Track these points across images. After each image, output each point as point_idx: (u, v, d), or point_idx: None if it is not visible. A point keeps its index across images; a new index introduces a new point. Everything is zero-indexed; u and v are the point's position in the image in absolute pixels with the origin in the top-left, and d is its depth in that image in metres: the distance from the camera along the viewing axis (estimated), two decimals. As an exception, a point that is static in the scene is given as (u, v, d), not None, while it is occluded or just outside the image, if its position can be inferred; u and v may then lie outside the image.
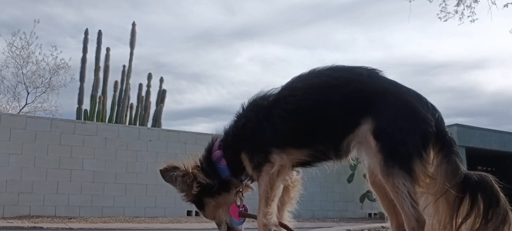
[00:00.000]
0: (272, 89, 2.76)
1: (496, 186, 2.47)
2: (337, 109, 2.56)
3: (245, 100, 2.83)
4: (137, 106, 16.94)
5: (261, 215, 2.62)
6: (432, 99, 2.60)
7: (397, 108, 2.49)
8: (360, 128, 2.49)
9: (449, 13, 12.25)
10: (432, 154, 2.51)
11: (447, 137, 2.54)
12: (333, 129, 2.58)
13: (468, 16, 12.18)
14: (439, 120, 2.54)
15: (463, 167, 2.50)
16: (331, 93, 2.59)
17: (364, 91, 2.53)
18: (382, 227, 4.69)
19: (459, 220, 2.43)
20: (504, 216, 2.41)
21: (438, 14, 12.40)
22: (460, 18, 12.19)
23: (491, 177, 2.50)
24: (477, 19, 12.17)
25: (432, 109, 2.56)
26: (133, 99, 17.01)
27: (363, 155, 2.62)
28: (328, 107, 2.56)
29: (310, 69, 2.73)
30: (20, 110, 23.92)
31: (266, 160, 2.60)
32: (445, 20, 12.34)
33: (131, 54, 17.04)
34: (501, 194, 2.46)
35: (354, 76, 2.60)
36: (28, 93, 24.28)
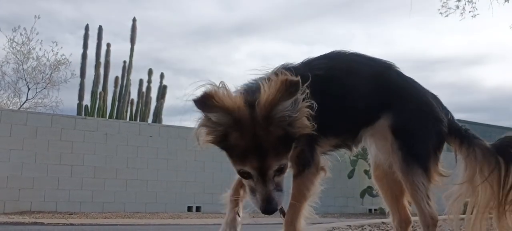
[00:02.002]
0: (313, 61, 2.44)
1: None
2: (369, 99, 2.50)
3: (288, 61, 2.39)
4: (138, 102, 16.92)
5: (293, 214, 2.40)
6: (432, 95, 2.63)
7: (417, 107, 2.52)
8: (379, 121, 2.51)
9: (450, 8, 12.23)
10: (453, 150, 2.60)
11: (462, 130, 2.61)
12: (363, 118, 2.53)
13: (470, 11, 12.16)
14: (451, 120, 2.60)
15: (489, 144, 2.57)
16: (366, 82, 2.51)
17: (390, 86, 2.53)
18: (383, 222, 4.70)
19: (507, 189, 2.48)
20: None
21: (439, 10, 12.39)
22: (462, 13, 12.17)
23: None
24: (478, 14, 12.15)
25: (445, 110, 2.62)
26: (134, 95, 16.99)
27: (372, 148, 2.65)
28: (364, 96, 2.50)
29: (337, 51, 2.56)
30: (21, 106, 23.93)
31: (311, 158, 2.36)
32: (446, 16, 12.32)
33: (132, 50, 17.01)
34: None
35: (385, 68, 2.58)
36: (29, 89, 24.30)
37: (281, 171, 2.03)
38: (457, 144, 2.58)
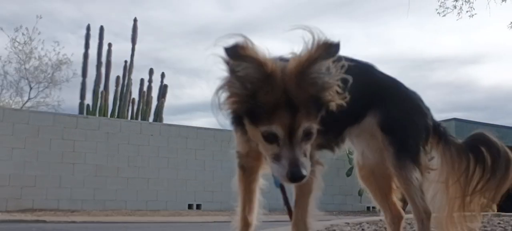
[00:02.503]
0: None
1: (492, 137, 2.63)
2: (354, 98, 2.32)
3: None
4: (139, 101, 17.02)
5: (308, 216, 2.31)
6: (429, 94, 2.75)
7: (403, 103, 2.55)
8: (365, 119, 2.51)
9: (447, 8, 12.30)
10: (430, 146, 2.62)
11: (441, 127, 2.66)
12: (349, 117, 2.44)
13: (467, 11, 12.23)
14: (431, 116, 2.65)
15: (461, 141, 2.65)
16: (355, 81, 2.37)
17: (374, 84, 2.53)
18: (381, 220, 4.79)
19: (473, 185, 2.56)
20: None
21: (437, 9, 12.45)
22: (459, 13, 12.25)
23: (483, 132, 2.66)
24: (475, 14, 12.22)
25: (426, 106, 2.66)
26: (135, 94, 17.11)
27: (359, 147, 2.68)
28: (354, 97, 2.36)
29: None
30: (23, 105, 24.06)
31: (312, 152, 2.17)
32: (444, 15, 12.39)
33: (133, 49, 17.11)
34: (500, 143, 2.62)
35: (367, 67, 2.59)
36: (31, 88, 24.49)
37: (309, 135, 1.85)
38: (435, 140, 2.62)
